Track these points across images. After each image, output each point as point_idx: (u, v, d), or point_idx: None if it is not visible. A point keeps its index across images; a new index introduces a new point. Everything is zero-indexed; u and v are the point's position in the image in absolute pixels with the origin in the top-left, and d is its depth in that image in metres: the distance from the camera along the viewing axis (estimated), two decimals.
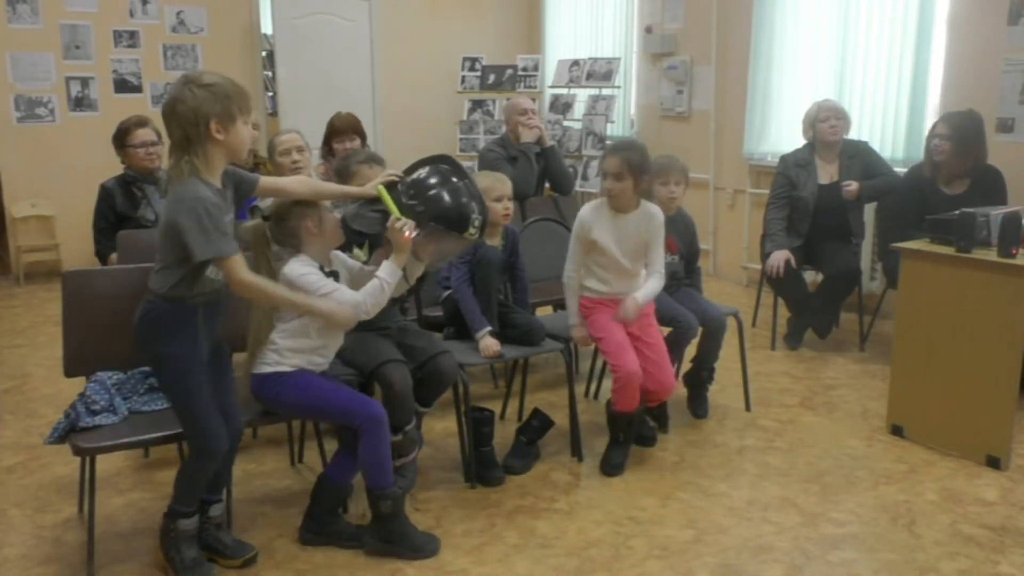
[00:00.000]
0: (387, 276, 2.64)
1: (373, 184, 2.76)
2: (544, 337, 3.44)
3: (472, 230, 2.71)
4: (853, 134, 4.94)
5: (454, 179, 2.73)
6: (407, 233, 2.62)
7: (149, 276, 2.48)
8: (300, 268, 2.62)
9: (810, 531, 2.90)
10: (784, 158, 4.92)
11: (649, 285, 3.31)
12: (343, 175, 3.01)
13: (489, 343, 3.29)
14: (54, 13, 6.80)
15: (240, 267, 2.42)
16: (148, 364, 2.71)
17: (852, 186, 4.61)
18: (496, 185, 3.40)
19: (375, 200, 2.74)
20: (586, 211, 3.36)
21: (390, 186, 2.72)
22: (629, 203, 3.28)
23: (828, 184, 4.72)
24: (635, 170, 3.21)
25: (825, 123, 4.72)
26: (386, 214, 2.69)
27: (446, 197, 2.69)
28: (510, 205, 3.48)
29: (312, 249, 2.67)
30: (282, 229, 2.66)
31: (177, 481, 2.61)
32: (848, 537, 2.87)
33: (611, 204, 3.30)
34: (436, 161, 2.80)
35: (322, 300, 2.59)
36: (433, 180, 2.72)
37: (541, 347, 3.44)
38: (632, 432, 3.39)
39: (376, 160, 3.04)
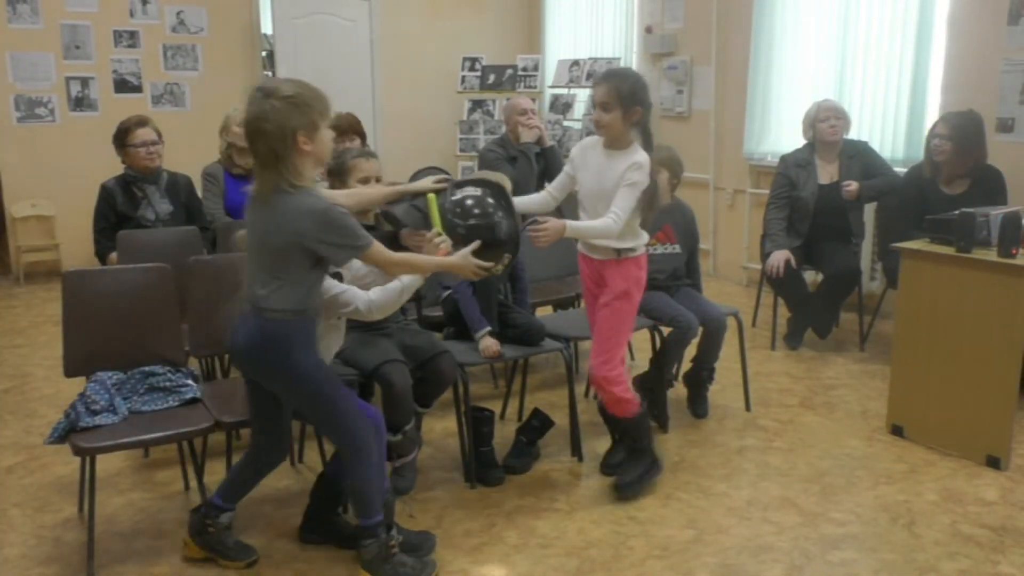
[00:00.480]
0: (409, 281, 2.66)
1: (425, 184, 2.81)
2: (544, 337, 3.44)
3: (499, 267, 2.72)
4: (853, 134, 4.94)
5: (500, 213, 2.71)
6: (443, 248, 2.62)
7: (260, 298, 2.38)
8: None
9: (810, 531, 2.90)
10: (784, 158, 4.92)
11: (594, 221, 2.96)
12: (339, 173, 3.02)
13: (489, 343, 3.29)
14: (54, 13, 6.79)
15: (384, 250, 2.46)
16: (276, 382, 2.52)
17: (852, 186, 4.61)
18: None
19: (419, 196, 2.83)
20: (586, 140, 3.17)
21: (438, 192, 2.76)
22: (620, 138, 2.99)
23: (828, 184, 4.72)
24: (624, 100, 2.91)
25: (825, 123, 4.72)
26: (427, 217, 2.72)
27: (488, 231, 2.68)
28: None
29: None
30: None
31: (228, 479, 2.74)
32: (848, 537, 2.87)
33: (603, 140, 3.06)
34: (491, 187, 2.77)
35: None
36: (481, 209, 2.70)
37: (541, 347, 3.44)
38: (626, 428, 3.36)
39: (369, 154, 3.09)
